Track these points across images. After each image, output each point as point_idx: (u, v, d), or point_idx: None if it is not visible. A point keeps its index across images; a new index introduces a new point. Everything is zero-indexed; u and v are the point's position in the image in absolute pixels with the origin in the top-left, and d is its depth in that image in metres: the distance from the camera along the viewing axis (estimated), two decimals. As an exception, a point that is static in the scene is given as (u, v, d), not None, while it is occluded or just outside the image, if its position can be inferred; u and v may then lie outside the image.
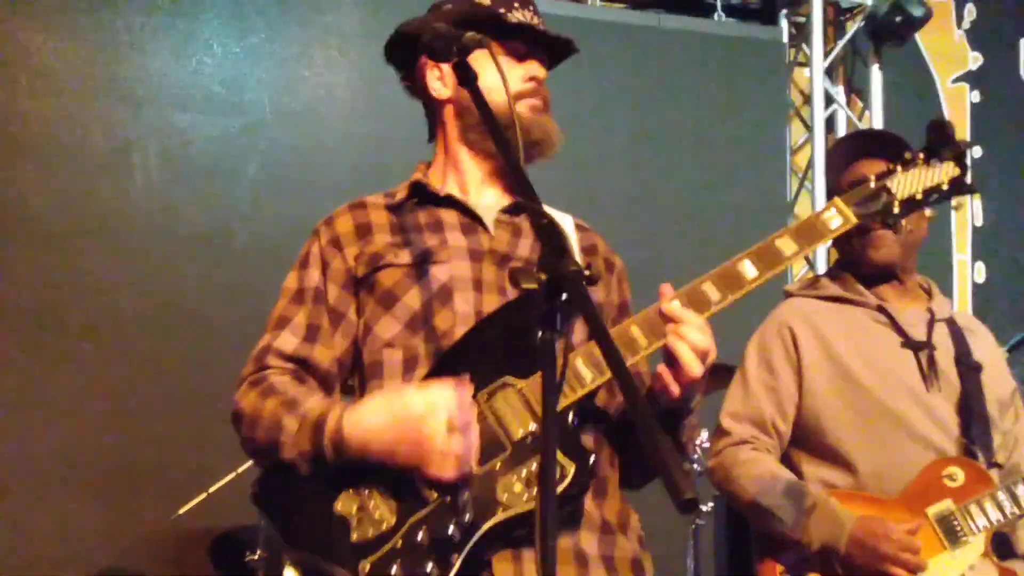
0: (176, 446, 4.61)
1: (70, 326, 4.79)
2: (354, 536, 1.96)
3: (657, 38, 6.00)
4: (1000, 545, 2.83)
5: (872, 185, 2.10)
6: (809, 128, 6.30)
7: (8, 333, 4.72)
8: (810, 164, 6.23)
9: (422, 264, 2.09)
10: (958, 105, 6.69)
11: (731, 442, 2.95)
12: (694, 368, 1.91)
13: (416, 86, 2.30)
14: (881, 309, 2.98)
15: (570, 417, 1.97)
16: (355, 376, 2.17)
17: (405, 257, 2.10)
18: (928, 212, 2.90)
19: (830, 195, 3.07)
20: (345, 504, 1.98)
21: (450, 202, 2.19)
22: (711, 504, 4.49)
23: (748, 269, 2.02)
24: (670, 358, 1.94)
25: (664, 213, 5.72)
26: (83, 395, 4.75)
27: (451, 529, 1.90)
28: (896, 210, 2.08)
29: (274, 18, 5.25)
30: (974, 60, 6.72)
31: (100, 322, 4.83)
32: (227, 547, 4.29)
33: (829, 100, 6.35)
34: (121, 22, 5.01)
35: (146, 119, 5.04)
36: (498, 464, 1.93)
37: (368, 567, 1.93)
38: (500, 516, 1.90)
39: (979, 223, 6.64)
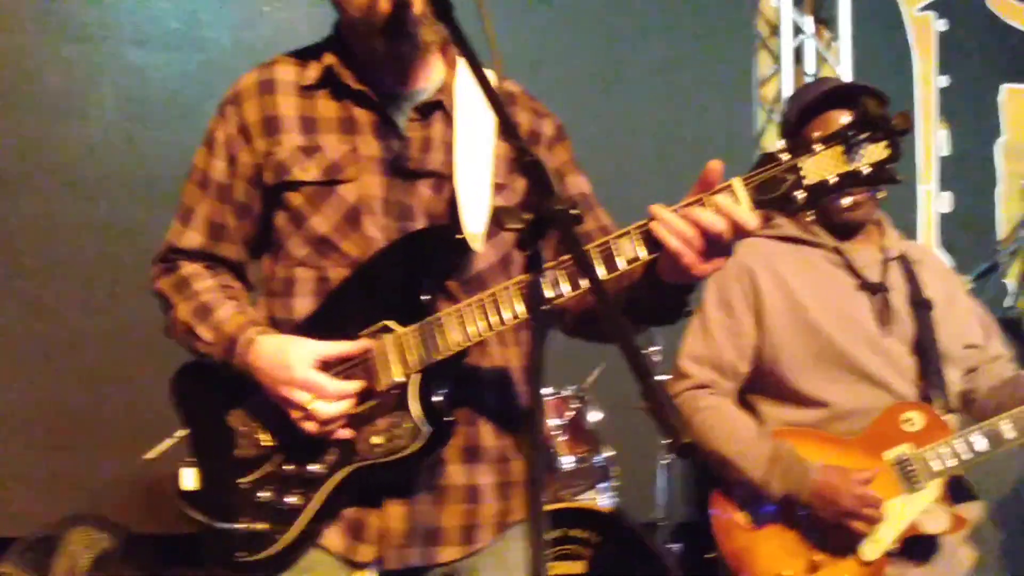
0: (141, 390, 4.52)
1: (28, 270, 4.73)
2: (238, 452, 2.09)
3: (623, -31, 5.92)
4: (955, 490, 2.84)
5: (781, 164, 1.73)
6: (777, 59, 6.25)
7: (-34, 278, 4.64)
8: (778, 96, 6.19)
9: (330, 183, 2.05)
10: (925, 33, 6.66)
11: (690, 385, 2.94)
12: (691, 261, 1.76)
13: None
14: (837, 251, 2.97)
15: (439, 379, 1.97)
16: (268, 281, 2.16)
17: (313, 171, 2.05)
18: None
19: (788, 138, 2.99)
20: (236, 418, 2.11)
21: (363, 98, 2.09)
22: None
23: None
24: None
25: (631, 145, 5.68)
26: (43, 340, 4.70)
27: (316, 466, 2.01)
28: (800, 198, 1.73)
29: (230, -49, 5.13)
30: (941, -12, 6.68)
31: (59, 266, 4.76)
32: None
33: (797, 30, 6.29)
34: (72, -43, 4.88)
35: (102, 57, 4.93)
36: (365, 409, 1.98)
37: (246, 485, 2.07)
38: (356, 464, 1.99)
39: (945, 153, 6.63)
